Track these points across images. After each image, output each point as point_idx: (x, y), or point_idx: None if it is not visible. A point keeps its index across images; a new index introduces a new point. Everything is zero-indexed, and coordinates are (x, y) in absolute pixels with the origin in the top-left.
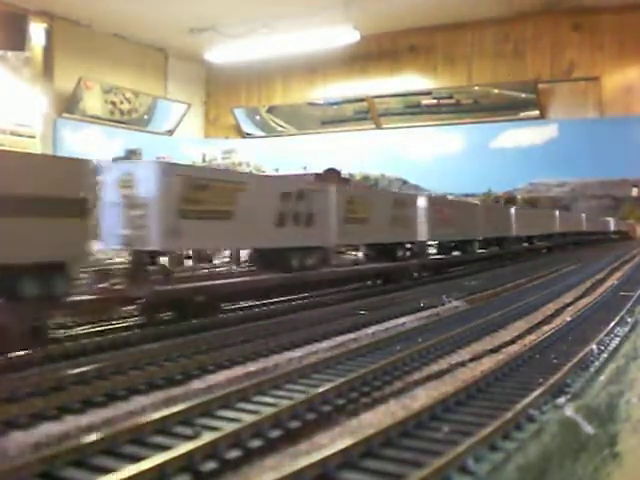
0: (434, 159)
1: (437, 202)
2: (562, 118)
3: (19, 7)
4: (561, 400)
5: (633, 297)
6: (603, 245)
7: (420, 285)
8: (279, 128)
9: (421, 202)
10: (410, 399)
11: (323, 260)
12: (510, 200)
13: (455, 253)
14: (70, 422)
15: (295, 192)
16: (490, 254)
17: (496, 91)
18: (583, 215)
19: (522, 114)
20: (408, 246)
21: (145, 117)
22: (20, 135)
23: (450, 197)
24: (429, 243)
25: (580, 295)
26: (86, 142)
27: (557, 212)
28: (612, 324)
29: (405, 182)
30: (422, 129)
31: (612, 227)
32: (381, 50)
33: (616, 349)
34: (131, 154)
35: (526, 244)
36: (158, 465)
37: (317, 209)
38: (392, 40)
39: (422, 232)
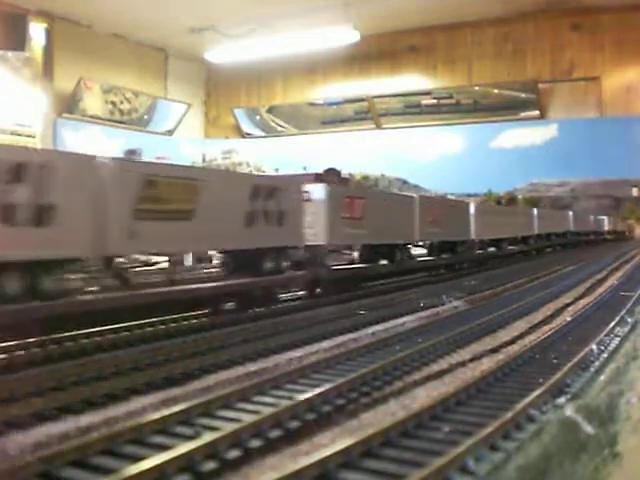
0: (434, 159)
1: (343, 193)
2: (562, 118)
3: (19, 7)
4: (561, 400)
5: (633, 297)
6: (594, 248)
7: (417, 287)
8: (279, 128)
9: (316, 192)
10: (410, 399)
11: (122, 280)
12: (511, 200)
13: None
14: (70, 422)
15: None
16: (437, 262)
17: (496, 91)
18: (570, 213)
19: (522, 114)
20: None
21: (145, 117)
22: (20, 135)
23: (384, 189)
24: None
25: (580, 295)
26: (86, 142)
27: (535, 210)
28: (612, 324)
29: (405, 182)
30: (422, 129)
31: (606, 226)
32: (381, 50)
33: (616, 349)
34: (131, 154)
35: (492, 249)
36: (158, 465)
37: (66, 198)
38: (392, 40)
39: (316, 234)
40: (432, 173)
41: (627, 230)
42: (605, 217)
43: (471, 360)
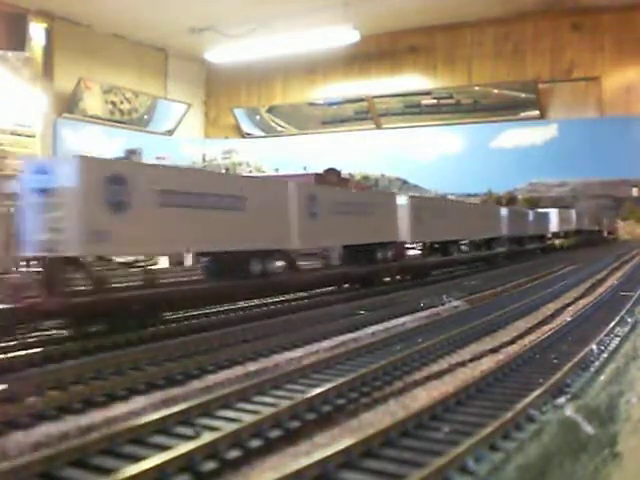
0: (434, 159)
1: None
2: (562, 118)
3: (19, 7)
4: (561, 400)
5: (633, 297)
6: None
7: (419, 286)
8: (279, 128)
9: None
10: (410, 399)
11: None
12: (511, 200)
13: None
14: (70, 422)
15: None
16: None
17: (496, 91)
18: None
19: (522, 114)
20: None
21: (145, 117)
22: (20, 135)
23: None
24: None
25: (580, 295)
26: (86, 142)
27: (405, 199)
28: (612, 324)
29: (405, 182)
30: (422, 129)
31: (555, 226)
32: (381, 50)
33: (616, 349)
34: (131, 154)
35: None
36: (158, 465)
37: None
38: (392, 40)
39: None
40: (432, 173)
41: (607, 229)
42: (554, 210)
43: (471, 360)
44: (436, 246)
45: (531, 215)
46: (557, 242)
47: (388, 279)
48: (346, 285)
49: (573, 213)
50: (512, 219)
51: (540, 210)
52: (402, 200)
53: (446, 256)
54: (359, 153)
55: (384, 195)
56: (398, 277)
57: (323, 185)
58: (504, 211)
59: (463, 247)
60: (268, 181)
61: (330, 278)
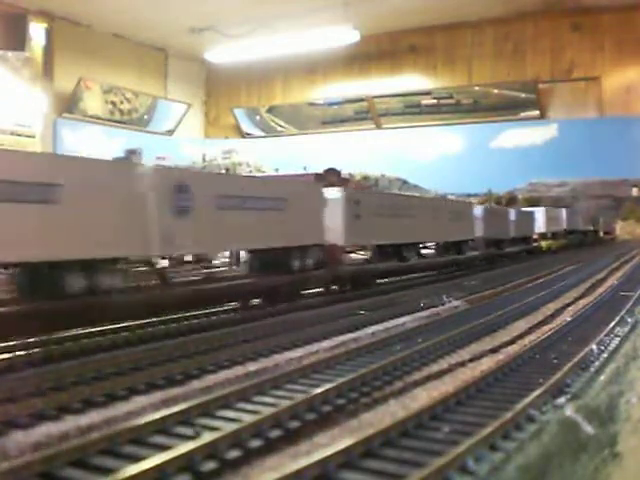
0: (434, 159)
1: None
2: (562, 118)
3: (19, 7)
4: (561, 400)
5: (633, 297)
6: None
7: (421, 285)
8: (279, 128)
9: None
10: (410, 399)
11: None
12: (511, 200)
13: None
14: (70, 422)
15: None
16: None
17: (496, 91)
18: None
19: (522, 114)
20: None
21: (145, 117)
22: (20, 135)
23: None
24: None
25: (580, 295)
26: (86, 142)
27: (338, 192)
28: (612, 324)
29: (405, 182)
30: (422, 129)
31: (541, 226)
32: (381, 50)
33: (616, 349)
34: (131, 154)
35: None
36: (158, 465)
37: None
38: (392, 40)
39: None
40: (432, 173)
41: (604, 229)
42: (539, 209)
43: (471, 360)
44: (388, 250)
45: (512, 214)
46: (544, 244)
47: (321, 289)
48: (256, 300)
49: (563, 212)
50: (489, 219)
51: (524, 209)
52: (334, 193)
53: (402, 261)
54: (359, 153)
55: (303, 187)
56: (335, 287)
57: (200, 172)
58: (478, 210)
59: (429, 251)
60: (115, 165)
61: (218, 294)
